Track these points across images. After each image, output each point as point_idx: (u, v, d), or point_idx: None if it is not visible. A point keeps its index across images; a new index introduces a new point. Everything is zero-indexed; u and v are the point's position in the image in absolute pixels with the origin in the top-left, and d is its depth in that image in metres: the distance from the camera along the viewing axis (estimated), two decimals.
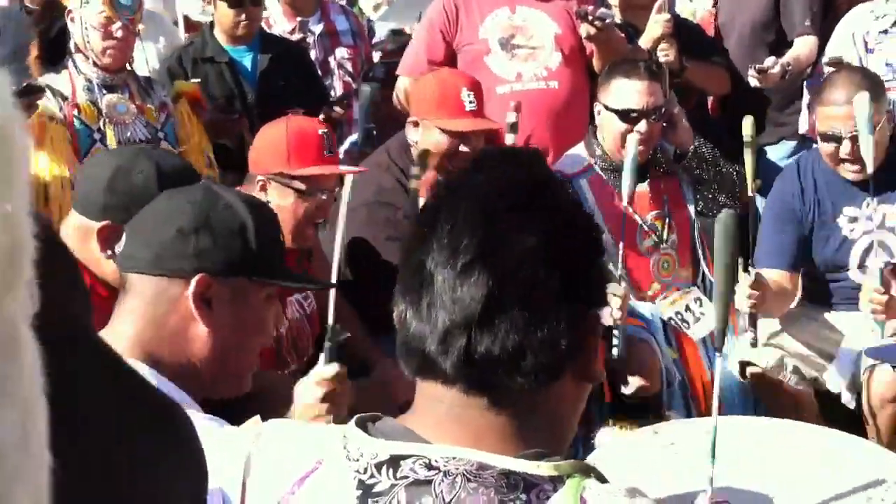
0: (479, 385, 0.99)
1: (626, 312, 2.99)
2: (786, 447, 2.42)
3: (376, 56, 4.88)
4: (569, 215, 1.06)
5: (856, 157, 3.04)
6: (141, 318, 1.50)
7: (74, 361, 0.51)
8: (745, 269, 2.95)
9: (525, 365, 0.98)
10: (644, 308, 3.29)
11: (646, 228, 3.29)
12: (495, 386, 0.99)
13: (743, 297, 2.93)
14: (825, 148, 3.11)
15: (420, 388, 1.04)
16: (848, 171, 3.10)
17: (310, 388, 2.00)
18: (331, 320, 2.19)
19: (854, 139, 3.01)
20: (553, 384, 1.01)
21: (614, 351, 3.02)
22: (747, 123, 2.99)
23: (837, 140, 3.05)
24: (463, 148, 3.15)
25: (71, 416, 0.49)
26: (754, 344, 3.16)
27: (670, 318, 3.28)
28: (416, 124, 3.26)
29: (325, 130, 2.82)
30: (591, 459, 2.29)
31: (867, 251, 3.16)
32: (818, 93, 3.19)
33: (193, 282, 1.49)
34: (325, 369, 2.01)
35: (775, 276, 3.17)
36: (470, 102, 3.21)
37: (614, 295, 2.93)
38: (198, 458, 0.61)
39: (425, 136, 3.22)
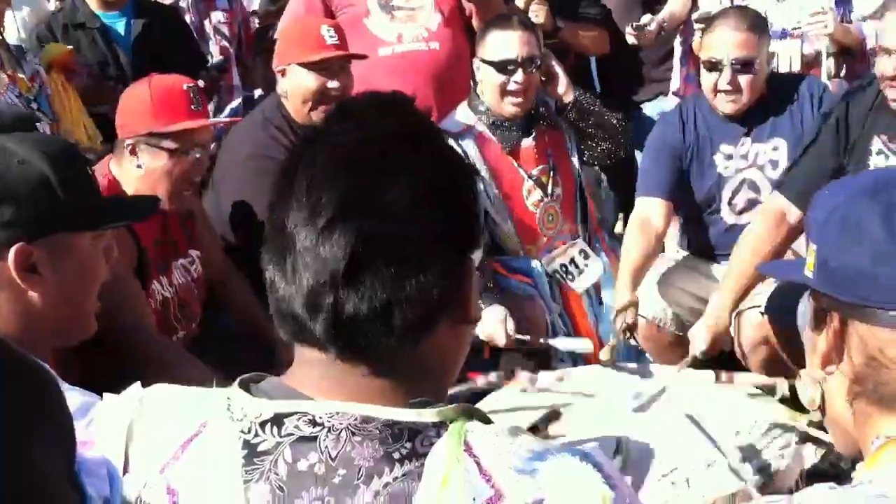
0: (351, 346, 0.98)
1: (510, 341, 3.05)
2: (664, 392, 2.51)
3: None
4: (440, 162, 1.03)
5: (734, 88, 3.17)
6: None
7: None
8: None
9: (395, 322, 0.96)
10: (530, 264, 3.35)
11: (531, 182, 3.34)
12: (368, 345, 0.97)
13: (619, 324, 3.01)
14: (706, 78, 3.22)
15: (297, 351, 1.02)
16: (724, 103, 3.22)
17: None
18: None
19: (734, 69, 3.13)
20: (428, 335, 0.99)
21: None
22: None
23: (718, 68, 3.16)
24: (331, 84, 3.15)
25: None
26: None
27: (555, 272, 3.34)
28: (283, 73, 3.24)
29: (191, 85, 2.74)
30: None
31: (738, 189, 3.29)
32: (707, 24, 3.30)
33: (11, 255, 1.41)
34: None
35: (651, 204, 3.27)
36: (331, 37, 3.20)
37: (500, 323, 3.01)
38: (67, 424, 0.60)
39: (293, 81, 3.21)
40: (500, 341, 3.02)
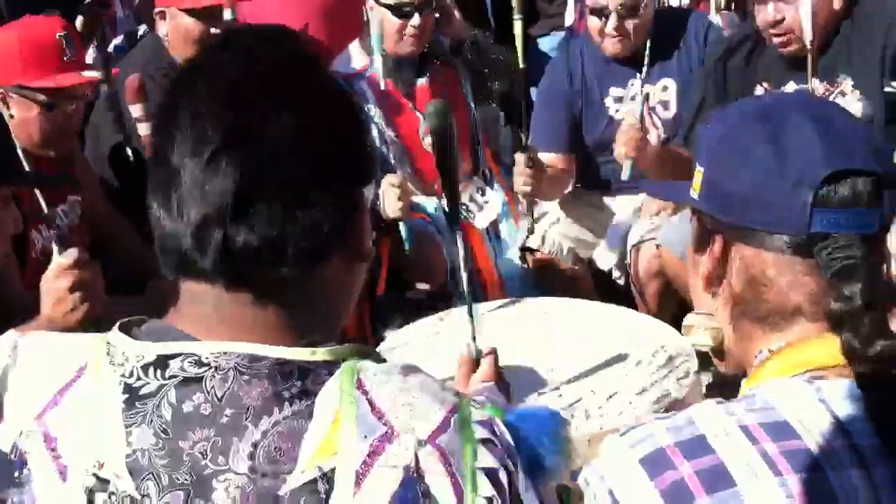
0: (241, 279, 0.96)
1: (407, 204, 3.01)
2: (560, 323, 2.54)
3: None
4: (327, 94, 1.01)
5: (620, 33, 3.17)
6: None
7: None
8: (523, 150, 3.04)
9: (287, 254, 0.95)
10: (428, 203, 3.34)
11: (426, 123, 3.31)
12: (258, 278, 0.95)
13: (519, 178, 3.02)
14: (592, 23, 3.22)
15: (182, 287, 0.99)
16: (611, 46, 3.22)
17: (53, 282, 1.87)
18: (44, 207, 2.10)
19: (619, 14, 3.13)
20: (320, 269, 0.98)
21: (405, 245, 3.05)
22: None
23: (604, 14, 3.16)
24: (215, 30, 3.04)
25: None
26: (531, 231, 3.28)
27: None
28: (162, 15, 3.12)
29: (64, 33, 2.59)
30: (380, 349, 2.32)
31: None
32: None
33: None
34: (63, 258, 1.89)
35: (551, 159, 3.28)
36: None
37: (392, 185, 2.94)
38: None
39: (173, 25, 3.09)
40: (390, 208, 2.96)
